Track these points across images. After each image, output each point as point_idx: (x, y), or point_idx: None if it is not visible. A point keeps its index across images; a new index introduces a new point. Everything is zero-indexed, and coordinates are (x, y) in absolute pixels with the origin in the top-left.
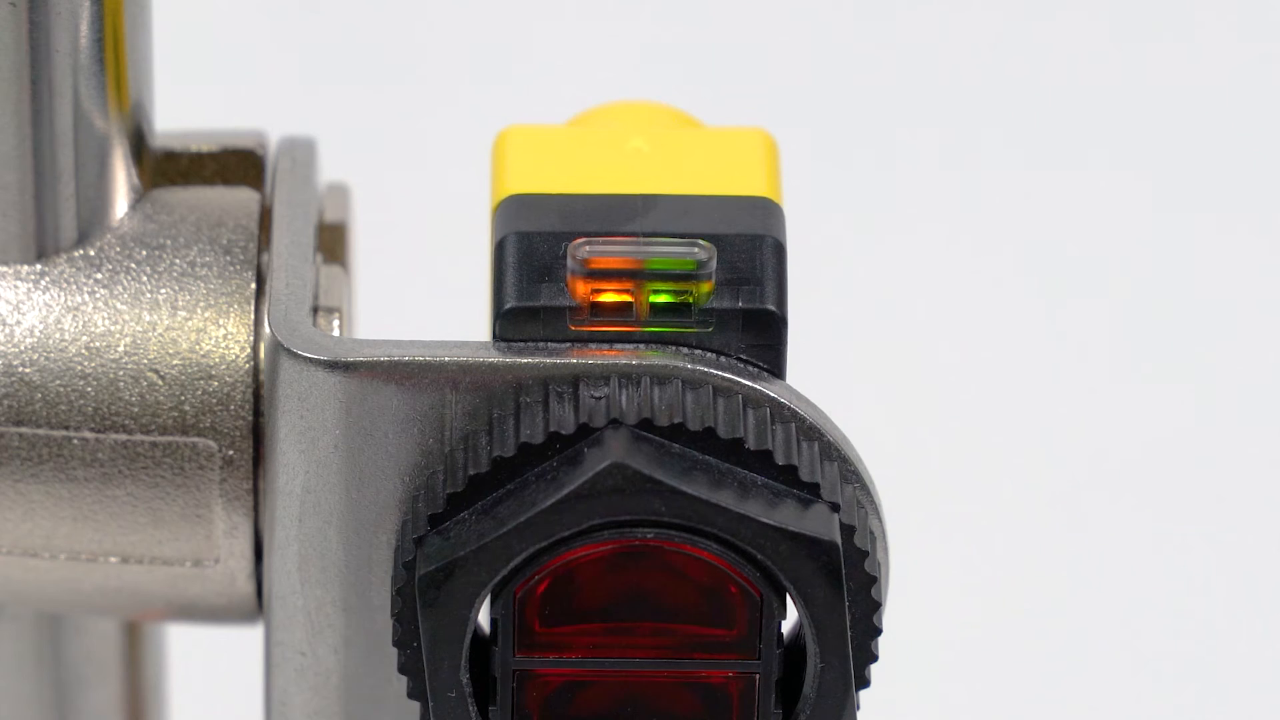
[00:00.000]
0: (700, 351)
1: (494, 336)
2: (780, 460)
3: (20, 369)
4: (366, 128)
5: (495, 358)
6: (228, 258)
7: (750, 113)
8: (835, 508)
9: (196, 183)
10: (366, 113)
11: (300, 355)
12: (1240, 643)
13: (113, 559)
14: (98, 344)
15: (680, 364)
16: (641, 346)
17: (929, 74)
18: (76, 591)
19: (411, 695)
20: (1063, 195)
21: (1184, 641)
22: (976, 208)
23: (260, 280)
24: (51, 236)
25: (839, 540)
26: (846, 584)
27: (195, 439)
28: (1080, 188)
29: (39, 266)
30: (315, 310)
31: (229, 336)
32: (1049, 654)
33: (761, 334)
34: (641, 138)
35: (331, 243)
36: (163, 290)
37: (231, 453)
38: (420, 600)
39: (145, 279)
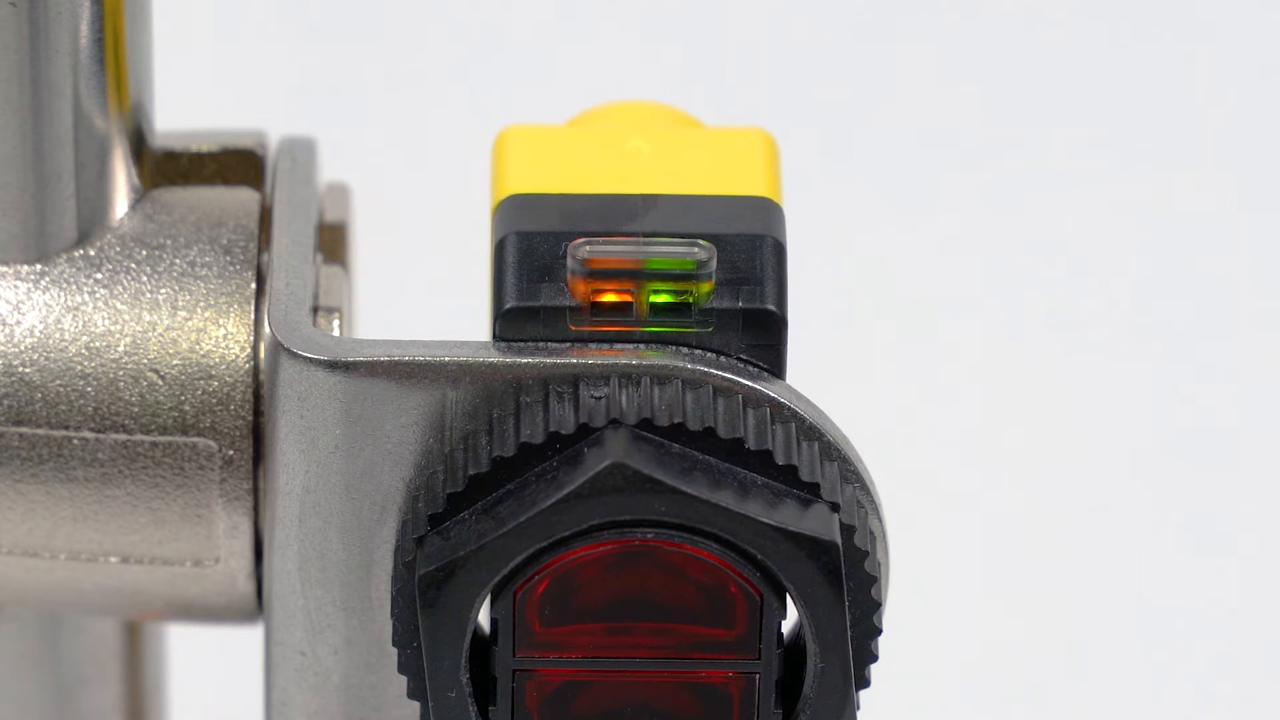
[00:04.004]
0: (700, 351)
1: (494, 336)
2: (780, 460)
3: (20, 369)
4: (366, 128)
5: (495, 358)
6: (228, 258)
7: (750, 113)
8: (835, 508)
9: (196, 183)
10: (366, 112)
11: (300, 355)
12: (1244, 643)
13: (113, 559)
14: (98, 344)
15: (680, 364)
16: (641, 346)
17: (929, 74)
18: (76, 591)
19: (411, 695)
20: (1065, 193)
21: (1186, 643)
22: (978, 207)
23: (260, 280)
24: (51, 236)
25: (839, 540)
26: (846, 584)
27: (195, 439)
28: (1083, 186)
29: (39, 266)
30: (315, 310)
31: (229, 336)
32: (1050, 654)
33: (761, 334)
34: (641, 138)
35: (331, 243)
36: (163, 290)
37: (231, 453)
38: (420, 600)
39: (145, 279)
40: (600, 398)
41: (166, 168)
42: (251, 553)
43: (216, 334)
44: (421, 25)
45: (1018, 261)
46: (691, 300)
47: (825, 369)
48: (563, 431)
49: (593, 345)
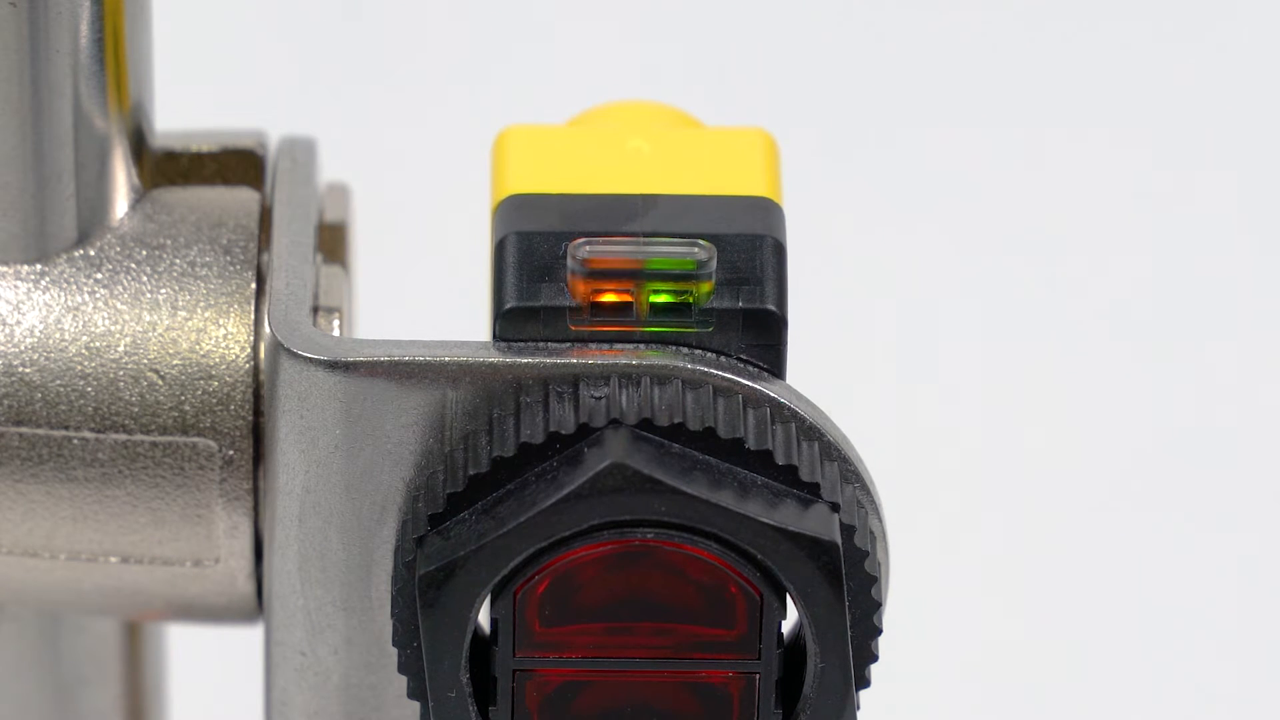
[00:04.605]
0: (700, 351)
1: (494, 336)
2: (780, 460)
3: (20, 369)
4: (366, 128)
5: (495, 358)
6: (228, 258)
7: (750, 113)
8: (835, 508)
9: (196, 183)
10: (366, 113)
11: (300, 355)
12: (1244, 643)
13: (113, 559)
14: (98, 344)
15: (680, 364)
16: (641, 346)
17: (929, 73)
18: (76, 591)
19: (411, 695)
20: (1064, 193)
21: (1186, 642)
22: (978, 207)
23: (260, 280)
24: (51, 236)
25: (839, 540)
26: (846, 584)
27: (195, 439)
28: (1083, 186)
29: (39, 266)
30: (315, 310)
31: (229, 336)
32: (1050, 654)
33: (761, 334)
34: (641, 138)
35: (331, 243)
36: (163, 290)
37: (231, 453)
38: (420, 600)
39: (145, 279)
40: (600, 398)
41: (166, 168)
42: (251, 553)
43: (216, 334)
44: (421, 25)
45: (1018, 261)
46: (691, 300)
47: (825, 369)
48: (563, 431)
49: (593, 345)
